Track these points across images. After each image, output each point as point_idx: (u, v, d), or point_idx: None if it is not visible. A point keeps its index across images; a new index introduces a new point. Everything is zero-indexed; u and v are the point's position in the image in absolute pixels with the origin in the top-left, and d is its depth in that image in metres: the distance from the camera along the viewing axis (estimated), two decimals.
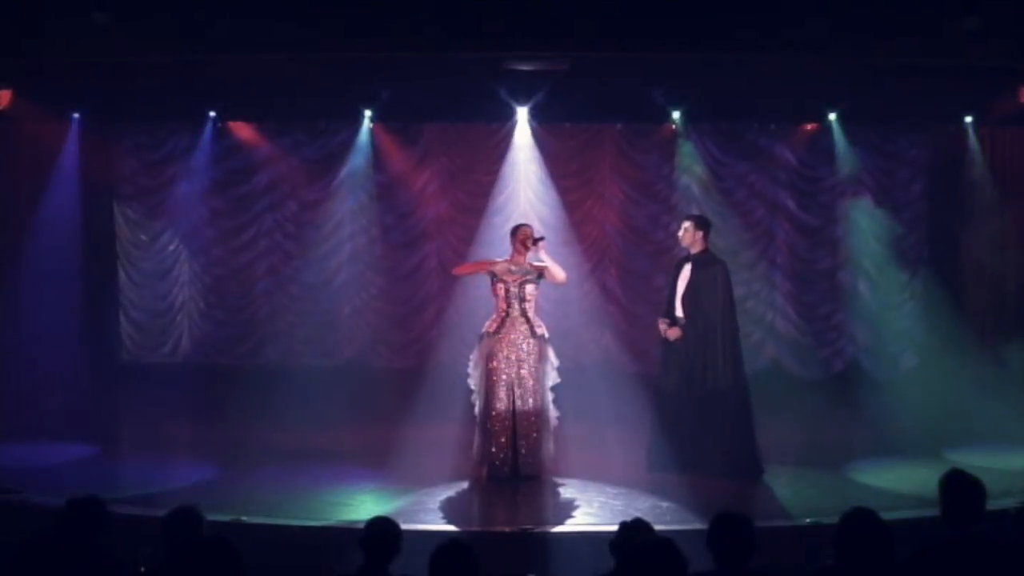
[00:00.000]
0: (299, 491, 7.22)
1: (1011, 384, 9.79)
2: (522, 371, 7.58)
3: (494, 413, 7.56)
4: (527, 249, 7.62)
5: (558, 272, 7.70)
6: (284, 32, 7.69)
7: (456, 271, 8.29)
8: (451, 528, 6.44)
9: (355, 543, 4.14)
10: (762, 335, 10.89)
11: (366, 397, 9.93)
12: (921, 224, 11.00)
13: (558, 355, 7.79)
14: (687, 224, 7.82)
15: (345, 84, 9.44)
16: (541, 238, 7.65)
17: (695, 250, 7.75)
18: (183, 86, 9.25)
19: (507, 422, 7.56)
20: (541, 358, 7.63)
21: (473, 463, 7.68)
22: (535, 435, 7.59)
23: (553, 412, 7.69)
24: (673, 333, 7.66)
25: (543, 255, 7.64)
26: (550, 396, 7.68)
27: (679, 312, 7.72)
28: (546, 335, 7.69)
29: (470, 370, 7.75)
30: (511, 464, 7.56)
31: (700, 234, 7.76)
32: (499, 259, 7.76)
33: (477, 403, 7.70)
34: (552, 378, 7.68)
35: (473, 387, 7.73)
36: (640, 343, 10.39)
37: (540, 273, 7.68)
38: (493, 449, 7.56)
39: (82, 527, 4.19)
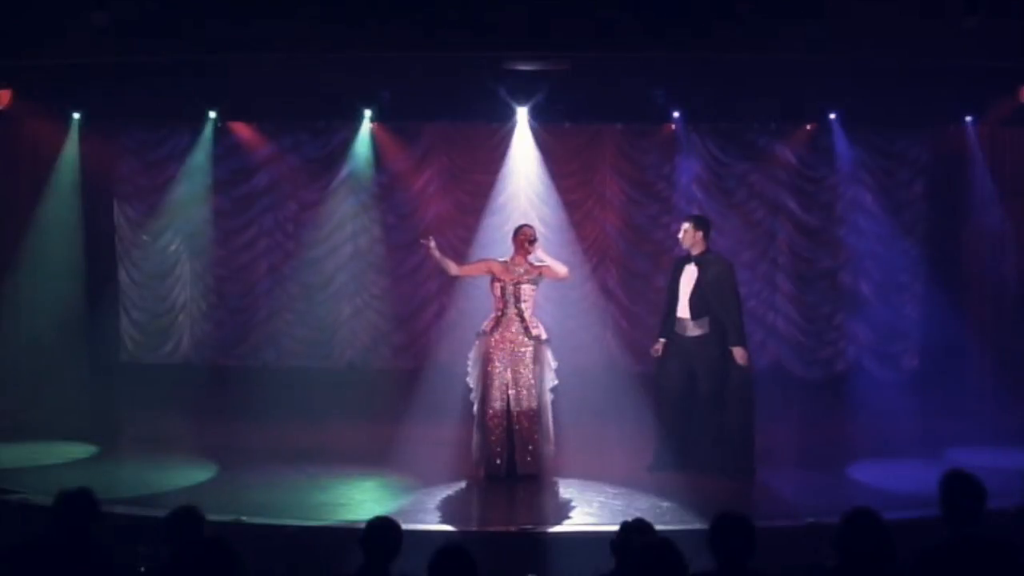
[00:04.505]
0: (299, 491, 7.22)
1: (1011, 384, 9.80)
2: (516, 371, 7.57)
3: (490, 412, 7.57)
4: (527, 250, 7.62)
5: (559, 268, 7.70)
6: (284, 32, 7.69)
7: (456, 272, 7.99)
8: (451, 528, 6.44)
9: (355, 543, 4.14)
10: (763, 335, 10.88)
11: (366, 397, 9.93)
12: (921, 224, 10.99)
13: (558, 355, 7.78)
14: (686, 225, 7.82)
15: (345, 84, 9.44)
16: (533, 240, 7.64)
17: (696, 251, 7.75)
18: (183, 86, 9.25)
19: (502, 422, 7.56)
20: (537, 359, 7.62)
21: (472, 463, 7.68)
22: (532, 435, 7.58)
23: (551, 413, 7.68)
24: (656, 351, 7.84)
25: (541, 254, 7.64)
26: (549, 397, 7.68)
27: (682, 313, 7.71)
28: (543, 336, 7.68)
29: (469, 368, 7.75)
30: (507, 463, 7.56)
31: (700, 234, 7.75)
32: (499, 259, 7.76)
33: (475, 402, 7.70)
34: (550, 380, 7.68)
35: (472, 386, 7.74)
36: (641, 343, 10.36)
37: (540, 274, 7.68)
38: (490, 449, 7.57)
39: (74, 519, 4.20)
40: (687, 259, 7.78)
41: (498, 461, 7.56)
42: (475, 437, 7.68)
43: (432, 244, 7.58)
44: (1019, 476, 7.13)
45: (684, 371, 7.73)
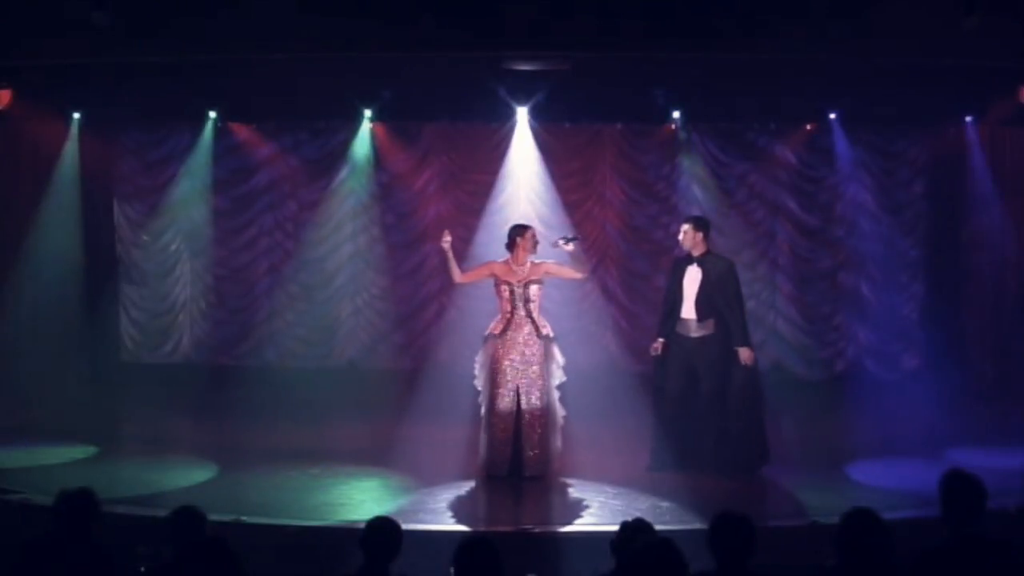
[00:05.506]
0: (299, 491, 7.22)
1: (1011, 384, 9.80)
2: (530, 372, 7.55)
3: (497, 414, 7.55)
4: (532, 252, 7.60)
5: (582, 268, 7.77)
6: (284, 32, 7.69)
7: (460, 279, 7.86)
8: (451, 528, 6.44)
9: (355, 543, 4.14)
10: (763, 336, 10.86)
11: (366, 397, 9.94)
12: (921, 224, 11.00)
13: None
14: (686, 226, 7.81)
15: (345, 84, 9.44)
16: (575, 238, 7.66)
17: (697, 252, 7.74)
18: (183, 86, 9.26)
19: (509, 423, 7.54)
20: (547, 357, 7.62)
21: (477, 462, 7.67)
22: (541, 435, 7.56)
23: (560, 411, 7.68)
24: (655, 349, 7.81)
25: (572, 248, 7.61)
26: (556, 395, 7.67)
27: (687, 314, 7.68)
28: (551, 334, 7.67)
29: (476, 371, 7.72)
30: (510, 464, 7.55)
31: (700, 235, 7.74)
32: (499, 260, 7.75)
33: (483, 404, 7.69)
34: (558, 376, 7.67)
35: (480, 388, 7.72)
36: (641, 343, 10.35)
37: (546, 272, 7.67)
38: (496, 450, 7.56)
39: (75, 519, 4.20)
40: (688, 260, 7.76)
41: (503, 462, 7.55)
42: (482, 437, 7.66)
43: (448, 240, 7.57)
44: (1019, 476, 7.14)
45: (684, 371, 7.72)
